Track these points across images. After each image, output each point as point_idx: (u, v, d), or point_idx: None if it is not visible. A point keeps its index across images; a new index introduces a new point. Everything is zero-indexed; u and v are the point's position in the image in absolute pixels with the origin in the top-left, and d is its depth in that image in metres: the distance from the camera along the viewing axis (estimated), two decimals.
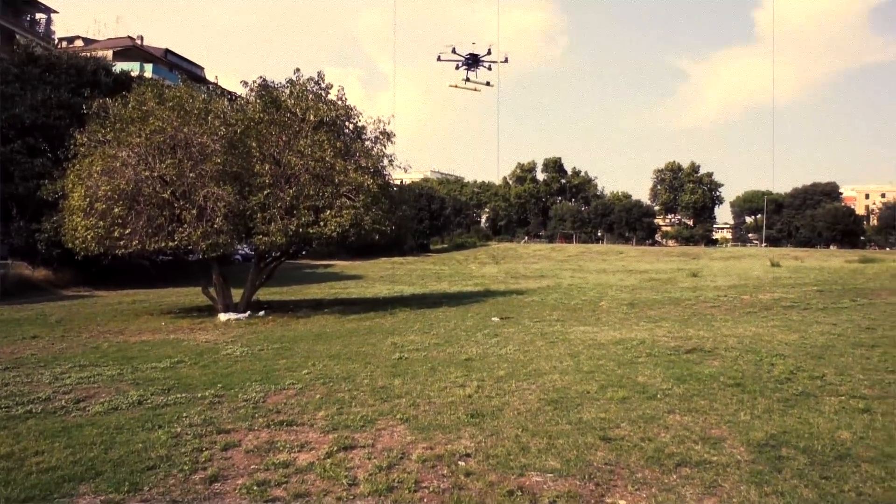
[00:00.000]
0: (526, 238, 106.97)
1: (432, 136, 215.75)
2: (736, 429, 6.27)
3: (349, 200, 17.31)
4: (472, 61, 19.31)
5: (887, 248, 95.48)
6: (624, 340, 11.56)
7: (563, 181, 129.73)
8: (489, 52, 19.16)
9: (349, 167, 17.49)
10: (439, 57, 19.14)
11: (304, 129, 17.89)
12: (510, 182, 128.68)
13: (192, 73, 58.91)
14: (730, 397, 7.37)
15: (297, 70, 18.95)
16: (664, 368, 8.94)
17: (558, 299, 20.47)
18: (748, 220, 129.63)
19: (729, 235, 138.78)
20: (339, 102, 19.20)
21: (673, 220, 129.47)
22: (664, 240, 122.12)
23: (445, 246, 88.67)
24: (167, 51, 64.34)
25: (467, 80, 19.36)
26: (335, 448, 5.91)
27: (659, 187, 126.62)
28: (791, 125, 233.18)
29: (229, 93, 20.67)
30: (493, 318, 16.11)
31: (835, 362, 8.95)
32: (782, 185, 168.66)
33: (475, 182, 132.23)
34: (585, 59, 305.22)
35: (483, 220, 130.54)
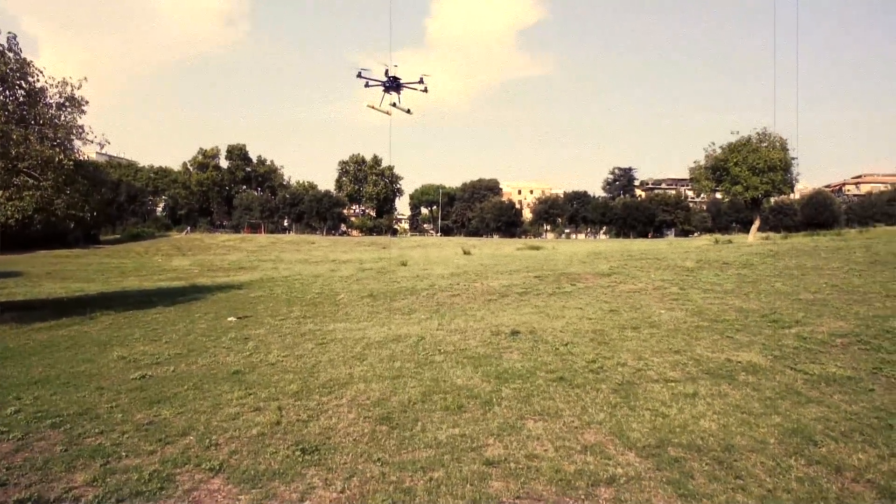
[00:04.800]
0: (188, 229, 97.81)
1: (95, 114, 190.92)
2: (605, 430, 5.81)
3: (32, 179, 13.69)
4: (394, 85, 17.80)
5: (540, 237, 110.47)
6: (400, 337, 10.70)
7: (249, 169, 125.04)
8: (421, 81, 17.88)
9: (31, 137, 13.81)
10: (360, 73, 17.26)
11: None
12: (191, 168, 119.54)
13: None
14: (565, 394, 6.95)
15: None
16: (472, 367, 8.27)
17: (287, 293, 18.90)
18: (424, 211, 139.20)
19: (407, 226, 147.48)
20: (10, 55, 15.07)
21: (357, 210, 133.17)
22: (350, 230, 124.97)
23: (119, 237, 78.97)
24: None
25: (394, 104, 17.74)
26: None
27: (344, 179, 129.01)
28: (459, 127, 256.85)
29: None
30: (229, 319, 14.06)
31: (622, 347, 9.18)
32: (453, 180, 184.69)
33: (151, 167, 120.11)
34: (267, 46, 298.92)
35: (160, 209, 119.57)
